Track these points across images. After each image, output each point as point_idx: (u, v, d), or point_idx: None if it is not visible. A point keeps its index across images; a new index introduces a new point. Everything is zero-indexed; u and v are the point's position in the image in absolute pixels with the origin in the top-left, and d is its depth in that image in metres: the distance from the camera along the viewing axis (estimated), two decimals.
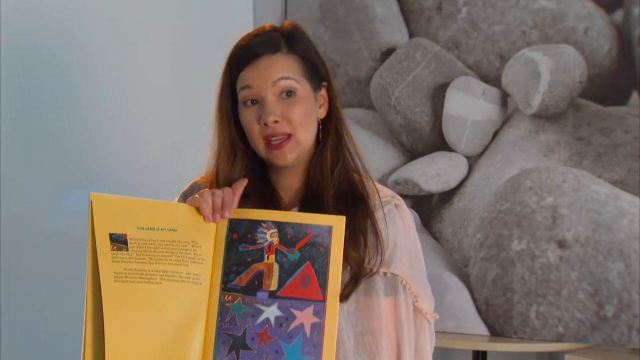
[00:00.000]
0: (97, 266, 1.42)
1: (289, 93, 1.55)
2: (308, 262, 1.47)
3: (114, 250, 1.43)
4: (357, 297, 1.56)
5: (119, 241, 1.44)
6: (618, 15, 2.76)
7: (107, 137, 2.77)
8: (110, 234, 1.44)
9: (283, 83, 1.54)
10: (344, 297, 1.53)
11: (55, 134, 2.67)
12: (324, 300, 1.46)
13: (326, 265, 1.47)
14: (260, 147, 1.57)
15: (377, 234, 1.57)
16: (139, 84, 2.84)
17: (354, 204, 1.57)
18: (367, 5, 3.06)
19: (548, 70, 2.79)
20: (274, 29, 1.60)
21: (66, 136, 2.68)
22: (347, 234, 1.48)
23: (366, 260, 1.55)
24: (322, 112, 1.62)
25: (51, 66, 2.66)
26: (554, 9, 2.81)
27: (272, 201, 1.60)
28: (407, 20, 3.02)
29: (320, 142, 1.61)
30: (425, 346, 1.62)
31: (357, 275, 1.54)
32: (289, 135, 1.55)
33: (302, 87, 1.56)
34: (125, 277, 1.43)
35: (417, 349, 1.61)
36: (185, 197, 1.66)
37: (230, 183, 1.58)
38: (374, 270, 1.56)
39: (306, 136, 1.57)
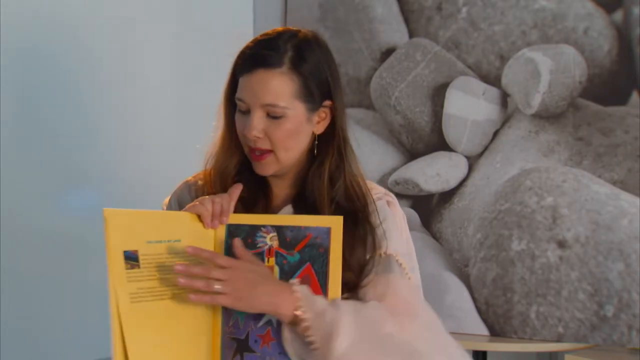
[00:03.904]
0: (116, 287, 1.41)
1: (276, 116, 1.53)
2: (308, 263, 1.47)
3: (127, 269, 1.42)
4: None
5: (131, 259, 1.43)
6: (618, 15, 2.76)
7: (107, 137, 2.77)
8: (124, 252, 1.43)
9: (270, 109, 1.52)
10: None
11: (55, 133, 2.67)
12: None
13: (326, 265, 1.47)
14: (246, 152, 1.58)
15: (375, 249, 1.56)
16: (138, 84, 2.84)
17: (353, 223, 1.55)
18: (367, 5, 3.06)
19: (548, 70, 2.79)
20: (286, 38, 1.55)
21: (66, 136, 2.68)
22: (344, 258, 1.48)
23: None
24: (319, 128, 1.59)
25: (51, 66, 2.66)
26: (554, 9, 2.81)
27: (264, 197, 1.60)
28: (407, 20, 3.02)
29: (317, 156, 1.59)
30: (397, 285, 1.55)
31: (351, 295, 1.53)
32: (270, 151, 1.55)
33: (293, 109, 1.53)
34: (140, 297, 1.43)
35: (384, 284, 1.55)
36: (176, 196, 1.66)
37: (225, 174, 1.59)
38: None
39: (287, 155, 1.55)
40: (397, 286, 1.53)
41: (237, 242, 1.47)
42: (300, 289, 1.43)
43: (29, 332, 2.59)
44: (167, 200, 1.69)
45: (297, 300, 1.42)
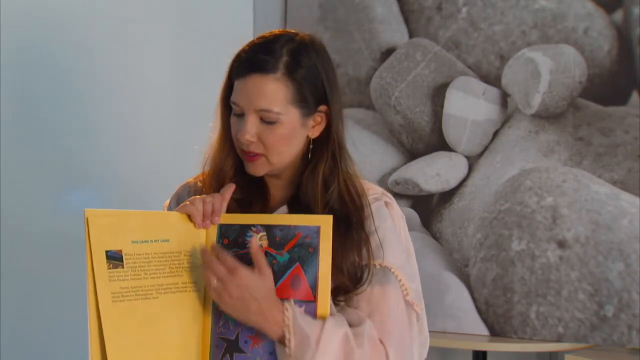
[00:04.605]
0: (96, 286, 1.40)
1: (270, 121, 1.53)
2: (297, 263, 1.46)
3: (110, 268, 1.41)
4: None
5: (114, 258, 1.42)
6: (618, 15, 2.76)
7: (107, 137, 2.77)
8: (107, 252, 1.42)
9: (264, 114, 1.51)
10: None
11: (55, 134, 2.67)
12: (314, 300, 1.46)
13: (315, 265, 1.46)
14: (239, 153, 1.58)
15: (369, 259, 1.54)
16: (138, 84, 2.84)
17: (347, 227, 1.54)
18: (367, 5, 3.06)
19: (548, 70, 2.79)
20: (282, 42, 1.54)
21: (66, 136, 2.68)
22: (336, 262, 1.48)
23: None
24: (314, 132, 1.58)
25: (51, 66, 2.66)
26: (554, 9, 2.81)
27: (260, 198, 1.60)
28: (407, 20, 3.02)
29: (311, 159, 1.58)
30: (387, 297, 1.53)
31: (345, 299, 1.52)
32: (262, 154, 1.54)
33: (287, 115, 1.52)
34: (122, 296, 1.42)
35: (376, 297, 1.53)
36: (177, 198, 1.66)
37: (221, 175, 1.59)
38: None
39: (279, 159, 1.55)
40: (390, 303, 1.52)
41: (254, 242, 1.46)
42: (290, 313, 1.42)
43: (29, 332, 2.59)
44: (167, 202, 1.69)
45: (284, 325, 1.42)
